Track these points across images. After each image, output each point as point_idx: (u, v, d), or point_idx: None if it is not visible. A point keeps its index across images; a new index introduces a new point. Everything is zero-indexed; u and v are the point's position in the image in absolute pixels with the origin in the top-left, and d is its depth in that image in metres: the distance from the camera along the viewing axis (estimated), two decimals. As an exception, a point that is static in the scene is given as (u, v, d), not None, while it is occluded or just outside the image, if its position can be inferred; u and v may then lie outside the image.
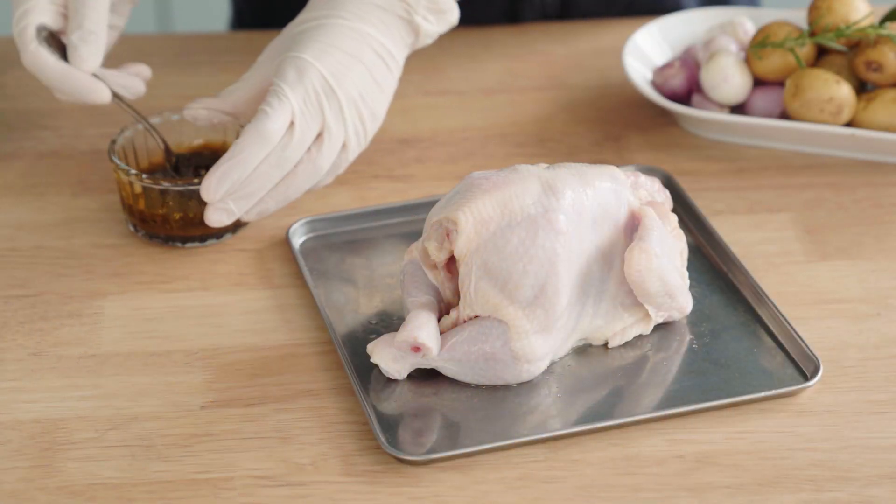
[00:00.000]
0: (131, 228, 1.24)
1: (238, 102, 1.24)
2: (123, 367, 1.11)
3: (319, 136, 1.19)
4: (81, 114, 1.39)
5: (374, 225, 1.25)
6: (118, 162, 1.21)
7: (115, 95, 1.21)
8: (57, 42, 1.20)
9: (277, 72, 1.19)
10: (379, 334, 1.12)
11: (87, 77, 1.19)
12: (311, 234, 1.24)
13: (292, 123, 1.17)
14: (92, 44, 1.18)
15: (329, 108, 1.19)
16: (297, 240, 1.23)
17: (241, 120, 1.25)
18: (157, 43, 1.51)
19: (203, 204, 1.20)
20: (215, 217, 1.17)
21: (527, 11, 1.56)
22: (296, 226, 1.23)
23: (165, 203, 1.20)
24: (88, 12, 1.18)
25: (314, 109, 1.18)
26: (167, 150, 1.24)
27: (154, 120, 1.26)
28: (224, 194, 1.16)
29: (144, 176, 1.20)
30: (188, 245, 1.22)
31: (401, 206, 1.26)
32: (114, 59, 1.47)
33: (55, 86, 1.19)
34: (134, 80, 1.24)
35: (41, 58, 1.18)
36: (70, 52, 1.18)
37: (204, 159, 1.24)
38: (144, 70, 1.27)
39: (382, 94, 1.23)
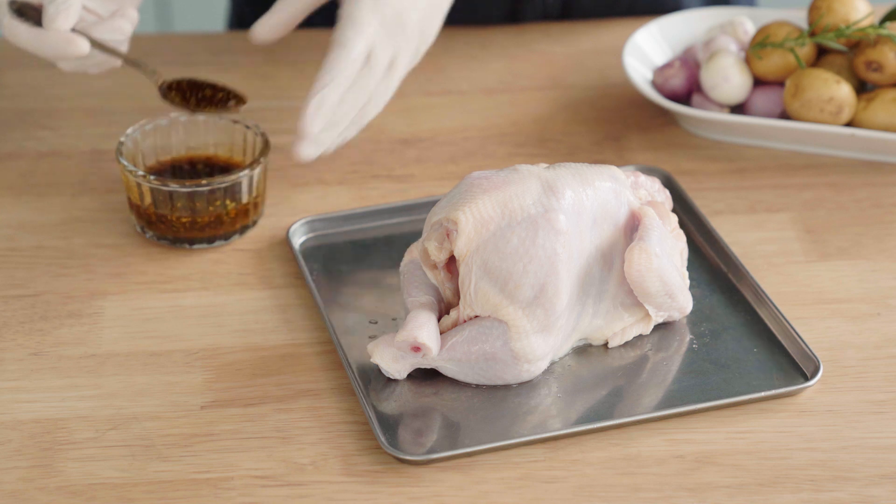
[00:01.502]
0: (139, 230, 1.23)
1: (296, 13, 1.22)
2: (123, 367, 1.11)
3: (392, 60, 1.19)
4: (81, 114, 1.39)
5: (374, 225, 1.25)
6: (126, 163, 1.21)
7: (95, 44, 1.20)
8: (36, 12, 1.20)
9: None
10: (379, 334, 1.12)
11: (61, 33, 1.18)
12: (311, 234, 1.24)
13: (371, 49, 1.17)
14: (60, 4, 1.18)
15: (401, 32, 1.18)
16: (297, 240, 1.23)
17: (249, 122, 1.25)
18: (157, 43, 1.51)
19: (211, 204, 1.20)
20: (308, 150, 1.16)
21: (528, 12, 1.56)
22: (296, 226, 1.23)
23: (174, 204, 1.20)
24: None
25: (389, 33, 1.17)
26: (159, 80, 1.24)
27: (161, 122, 1.25)
28: (321, 125, 1.15)
29: (152, 177, 1.20)
30: (196, 246, 1.22)
31: (401, 206, 1.26)
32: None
33: (35, 51, 1.19)
34: (118, 22, 1.22)
35: (14, 27, 1.19)
36: (44, 17, 1.19)
37: (195, 87, 1.26)
38: (131, 13, 1.23)
39: (440, 14, 1.23)
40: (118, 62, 1.23)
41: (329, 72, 1.16)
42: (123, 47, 1.24)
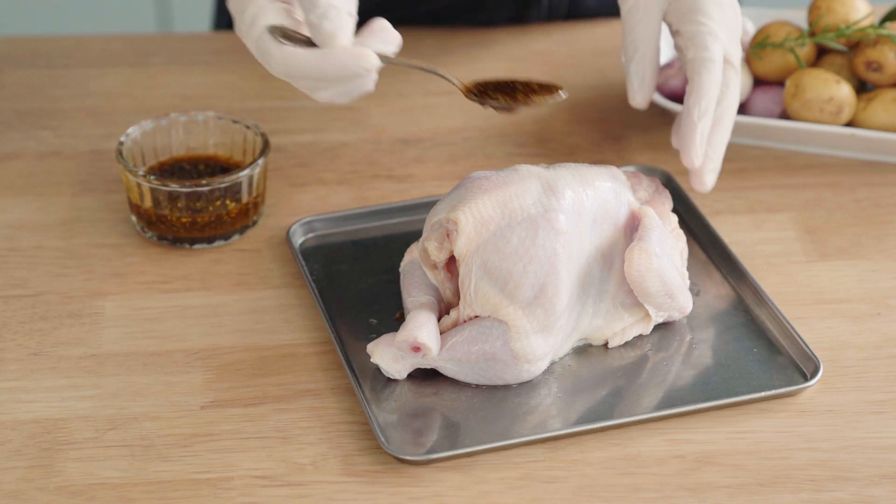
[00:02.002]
0: (139, 230, 1.23)
1: (656, 68, 1.19)
2: (123, 367, 1.11)
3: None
4: (81, 114, 1.39)
5: (374, 225, 1.25)
6: (126, 163, 1.21)
7: (382, 57, 1.08)
8: (292, 40, 1.09)
9: (698, 8, 1.14)
10: (379, 334, 1.12)
11: (347, 49, 1.06)
12: (311, 234, 1.24)
13: (724, 50, 1.14)
14: (334, 18, 1.06)
15: (734, 19, 1.15)
16: (297, 240, 1.23)
17: (249, 122, 1.25)
18: (157, 43, 1.51)
19: (211, 204, 1.20)
20: (710, 180, 1.14)
21: (533, 16, 1.55)
22: (296, 226, 1.23)
23: (174, 204, 1.20)
24: None
25: (729, 28, 1.14)
26: (464, 87, 1.12)
27: (161, 122, 1.25)
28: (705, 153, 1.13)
29: (152, 177, 1.20)
30: (196, 246, 1.22)
31: (401, 206, 1.26)
32: (116, 56, 1.48)
33: (316, 74, 1.07)
34: (383, 34, 1.09)
35: (293, 54, 1.07)
36: (316, 35, 1.07)
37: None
38: (381, 23, 1.10)
39: None
40: (370, 87, 1.09)
41: (704, 96, 1.13)
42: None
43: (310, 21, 1.07)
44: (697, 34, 1.14)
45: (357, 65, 1.06)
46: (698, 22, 1.14)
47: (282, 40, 1.07)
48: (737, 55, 1.17)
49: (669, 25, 1.19)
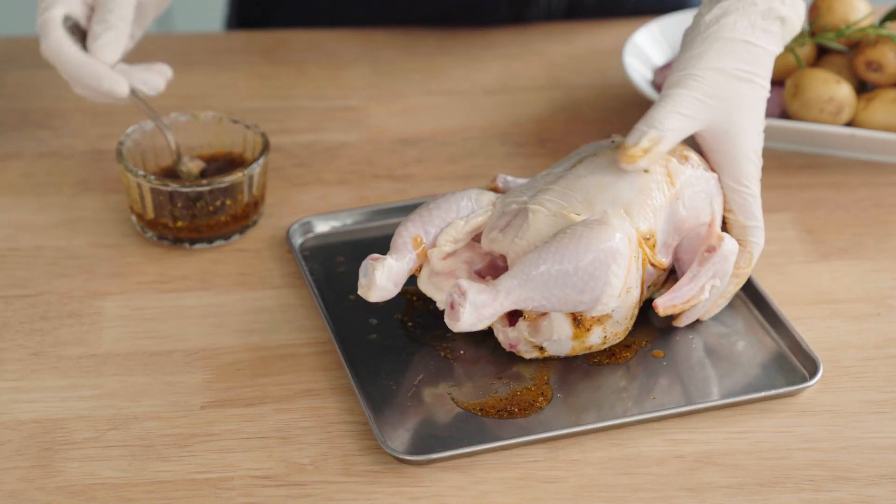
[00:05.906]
0: (139, 230, 1.23)
1: None
2: (123, 367, 1.11)
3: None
4: (81, 114, 1.39)
5: (374, 225, 1.25)
6: (126, 163, 1.21)
7: (133, 91, 1.19)
8: (81, 35, 1.18)
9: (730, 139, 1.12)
10: (379, 334, 1.12)
11: (106, 68, 1.16)
12: (311, 234, 1.24)
13: None
14: (113, 36, 1.16)
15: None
16: (297, 240, 1.23)
17: (249, 122, 1.25)
18: (157, 43, 1.51)
19: (211, 205, 1.20)
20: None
21: (531, 17, 1.55)
22: (296, 226, 1.23)
23: (174, 204, 1.20)
24: (114, 7, 1.16)
25: None
26: (178, 154, 1.23)
27: (163, 121, 1.25)
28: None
29: (152, 177, 1.20)
30: (196, 246, 1.22)
31: (401, 206, 1.26)
32: (114, 59, 1.47)
33: (73, 75, 1.16)
34: (154, 76, 1.20)
35: (63, 45, 1.15)
36: (90, 42, 1.16)
37: (214, 165, 1.25)
38: (166, 69, 1.21)
39: None
40: (124, 94, 1.17)
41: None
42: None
43: (93, 28, 1.17)
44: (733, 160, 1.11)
45: (109, 87, 1.15)
46: (733, 144, 1.11)
47: (65, 30, 1.16)
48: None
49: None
